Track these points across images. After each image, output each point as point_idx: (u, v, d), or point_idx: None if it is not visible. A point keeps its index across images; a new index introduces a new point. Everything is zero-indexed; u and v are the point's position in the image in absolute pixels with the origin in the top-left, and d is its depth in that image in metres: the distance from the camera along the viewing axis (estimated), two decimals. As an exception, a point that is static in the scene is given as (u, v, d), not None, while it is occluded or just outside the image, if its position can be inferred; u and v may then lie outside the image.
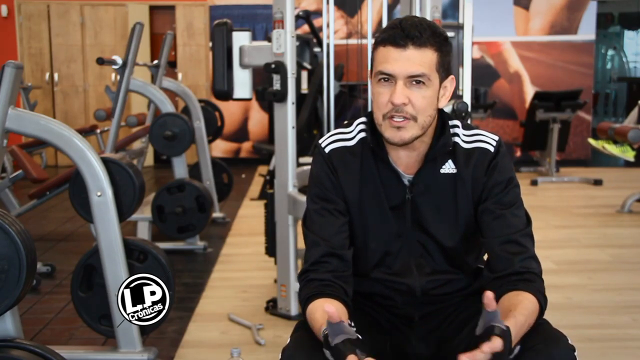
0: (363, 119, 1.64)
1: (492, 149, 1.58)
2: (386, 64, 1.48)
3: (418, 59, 1.47)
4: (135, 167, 2.65)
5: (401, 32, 1.47)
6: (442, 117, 1.58)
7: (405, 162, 1.58)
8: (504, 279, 1.50)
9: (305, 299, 1.51)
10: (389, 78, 1.49)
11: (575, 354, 1.41)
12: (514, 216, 1.55)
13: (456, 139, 1.59)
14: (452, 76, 1.56)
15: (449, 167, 1.58)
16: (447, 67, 1.53)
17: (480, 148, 1.58)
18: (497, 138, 1.60)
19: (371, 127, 1.60)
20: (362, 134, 1.62)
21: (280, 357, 1.45)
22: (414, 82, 1.48)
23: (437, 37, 1.49)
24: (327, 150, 1.62)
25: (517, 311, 1.39)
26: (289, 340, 1.51)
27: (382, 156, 1.58)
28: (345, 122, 1.70)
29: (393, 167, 1.58)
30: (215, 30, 3.11)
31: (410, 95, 1.48)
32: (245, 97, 3.19)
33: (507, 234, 1.53)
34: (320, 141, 1.65)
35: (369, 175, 1.59)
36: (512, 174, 1.59)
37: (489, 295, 1.28)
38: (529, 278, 1.49)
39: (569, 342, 1.42)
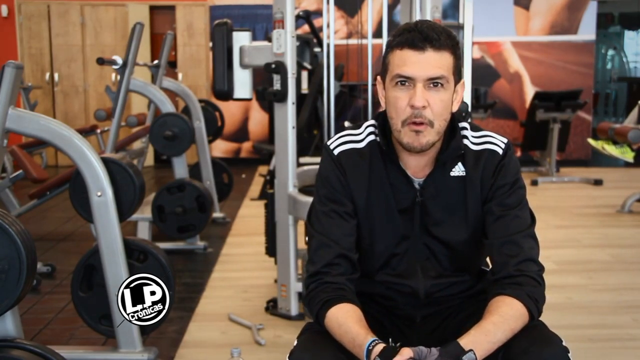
0: (372, 122, 1.63)
1: (500, 151, 1.57)
2: (405, 67, 1.47)
3: (437, 62, 1.46)
4: (135, 167, 2.65)
5: (419, 34, 1.46)
6: (452, 120, 1.57)
7: (414, 166, 1.58)
8: (498, 282, 1.50)
9: (322, 302, 1.49)
10: (406, 81, 1.47)
11: (570, 355, 1.40)
12: (516, 217, 1.54)
13: (465, 142, 1.59)
14: (462, 80, 1.56)
15: (458, 170, 1.57)
16: (459, 71, 1.53)
17: (489, 150, 1.57)
18: (505, 140, 1.60)
19: (382, 130, 1.59)
20: (372, 137, 1.61)
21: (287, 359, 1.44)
22: (432, 85, 1.47)
23: (451, 40, 1.49)
24: (335, 152, 1.61)
25: (488, 319, 1.40)
26: (296, 342, 1.50)
27: (393, 159, 1.57)
28: (347, 122, 1.69)
29: (403, 170, 1.58)
30: (216, 30, 3.11)
31: (429, 99, 1.47)
32: (245, 97, 3.18)
33: (507, 235, 1.53)
34: (328, 142, 1.64)
35: (378, 178, 1.58)
36: (518, 176, 1.58)
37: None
38: (520, 281, 1.48)
39: (563, 343, 1.41)
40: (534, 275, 1.50)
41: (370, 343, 1.37)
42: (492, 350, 1.37)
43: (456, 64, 1.51)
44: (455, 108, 1.55)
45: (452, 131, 1.57)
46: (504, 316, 1.41)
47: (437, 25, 1.49)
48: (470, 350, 1.33)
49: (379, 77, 1.58)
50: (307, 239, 1.70)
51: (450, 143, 1.56)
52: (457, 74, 1.52)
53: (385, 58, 1.54)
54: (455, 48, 1.50)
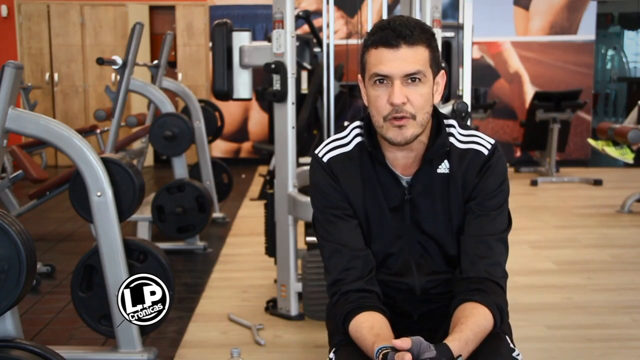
0: (359, 123, 1.64)
1: (486, 152, 1.58)
2: (381, 65, 1.48)
3: (412, 57, 1.47)
4: (135, 167, 2.65)
5: (392, 32, 1.47)
6: (437, 117, 1.59)
7: (402, 164, 1.58)
8: (465, 284, 1.52)
9: (344, 314, 1.51)
10: (384, 79, 1.48)
11: None
12: (493, 219, 1.56)
13: (451, 139, 1.59)
14: (442, 71, 1.57)
15: (444, 167, 1.59)
16: (437, 62, 1.53)
17: (474, 150, 1.58)
18: (493, 141, 1.60)
19: (368, 130, 1.60)
20: (359, 138, 1.62)
21: None
22: (410, 81, 1.48)
23: (426, 33, 1.50)
24: (325, 159, 1.62)
25: (466, 325, 1.41)
26: (333, 357, 1.53)
27: (380, 159, 1.58)
28: (346, 122, 1.70)
29: (390, 170, 1.59)
30: (215, 30, 3.11)
31: (408, 94, 1.48)
32: (245, 97, 3.19)
33: (481, 235, 1.55)
34: (316, 151, 1.65)
35: (368, 178, 1.60)
36: (504, 179, 1.59)
37: (396, 343, 1.31)
38: (487, 288, 1.49)
39: (514, 354, 1.44)
40: (499, 281, 1.53)
41: (376, 354, 1.37)
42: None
43: (433, 56, 1.51)
44: (437, 99, 1.56)
45: (437, 128, 1.58)
46: (480, 327, 1.43)
47: (410, 20, 1.50)
48: (460, 355, 1.35)
49: (359, 77, 1.60)
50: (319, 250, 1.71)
51: (436, 140, 1.56)
52: (436, 66, 1.52)
53: (362, 58, 1.55)
54: (430, 41, 1.50)
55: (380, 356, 1.35)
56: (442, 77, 1.56)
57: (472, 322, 1.42)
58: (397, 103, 1.47)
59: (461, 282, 1.53)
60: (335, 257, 1.57)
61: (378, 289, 1.57)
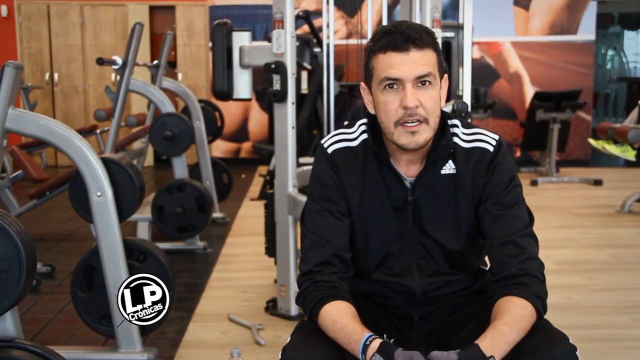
0: (364, 120, 1.63)
1: (491, 148, 1.57)
2: (391, 69, 1.47)
3: (422, 60, 1.47)
4: (135, 167, 2.65)
5: (400, 36, 1.47)
6: (442, 118, 1.58)
7: (406, 164, 1.58)
8: (501, 283, 1.50)
9: (316, 300, 1.49)
10: (394, 84, 1.48)
11: (577, 353, 1.40)
12: (513, 217, 1.54)
13: (455, 139, 1.58)
14: (446, 75, 1.57)
15: (449, 168, 1.57)
16: (442, 66, 1.54)
17: (479, 148, 1.57)
18: (497, 137, 1.59)
19: (372, 128, 1.59)
20: (364, 136, 1.61)
21: (280, 356, 1.45)
22: (420, 84, 1.48)
23: (431, 37, 1.51)
24: (329, 150, 1.61)
25: (501, 320, 1.39)
26: (289, 339, 1.50)
27: (384, 158, 1.58)
28: (346, 122, 1.69)
29: (395, 170, 1.58)
30: (215, 30, 3.11)
31: (419, 98, 1.48)
32: (245, 97, 3.19)
33: (506, 235, 1.52)
34: (322, 141, 1.64)
35: (371, 177, 1.59)
36: (513, 174, 1.58)
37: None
38: (525, 281, 1.47)
39: (570, 342, 1.41)
40: (536, 274, 1.50)
41: (367, 338, 1.37)
42: (507, 352, 1.37)
43: (439, 59, 1.52)
44: (442, 104, 1.55)
45: (442, 129, 1.57)
46: (516, 316, 1.41)
47: (415, 24, 1.51)
48: (492, 356, 1.32)
49: (363, 84, 1.59)
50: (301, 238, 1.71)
51: (441, 142, 1.56)
52: (441, 69, 1.53)
53: (368, 64, 1.53)
54: (435, 45, 1.51)
55: (378, 345, 1.34)
56: (445, 81, 1.56)
57: (506, 315, 1.40)
58: (410, 106, 1.46)
59: (496, 283, 1.52)
60: (315, 249, 1.56)
61: (348, 290, 1.55)
